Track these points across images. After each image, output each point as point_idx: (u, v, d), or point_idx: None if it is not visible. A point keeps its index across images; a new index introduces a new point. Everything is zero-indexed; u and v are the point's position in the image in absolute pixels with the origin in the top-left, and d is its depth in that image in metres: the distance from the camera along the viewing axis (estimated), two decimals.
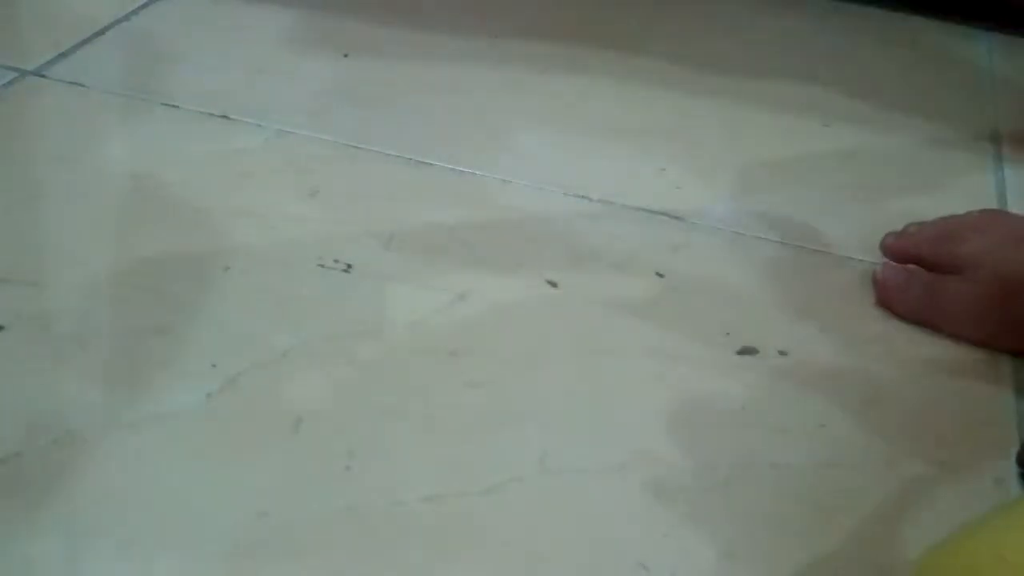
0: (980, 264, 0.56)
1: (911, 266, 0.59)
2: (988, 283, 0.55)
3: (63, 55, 0.74)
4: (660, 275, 0.59)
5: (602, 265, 0.60)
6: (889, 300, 0.58)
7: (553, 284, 0.58)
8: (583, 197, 0.65)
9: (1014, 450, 0.49)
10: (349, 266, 0.58)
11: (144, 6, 0.82)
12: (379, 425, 0.48)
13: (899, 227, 0.61)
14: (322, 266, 0.57)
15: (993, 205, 0.67)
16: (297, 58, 0.77)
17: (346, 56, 0.78)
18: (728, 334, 0.55)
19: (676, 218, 0.64)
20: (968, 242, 0.57)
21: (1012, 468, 0.49)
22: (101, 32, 0.77)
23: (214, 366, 0.50)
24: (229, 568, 0.42)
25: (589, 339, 0.54)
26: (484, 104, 0.74)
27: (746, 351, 0.55)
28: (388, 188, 0.64)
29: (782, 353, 0.55)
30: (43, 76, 0.72)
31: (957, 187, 0.67)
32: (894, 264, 0.59)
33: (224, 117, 0.69)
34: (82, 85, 0.71)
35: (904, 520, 0.46)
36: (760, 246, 0.62)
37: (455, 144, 0.69)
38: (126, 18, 0.80)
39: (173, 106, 0.70)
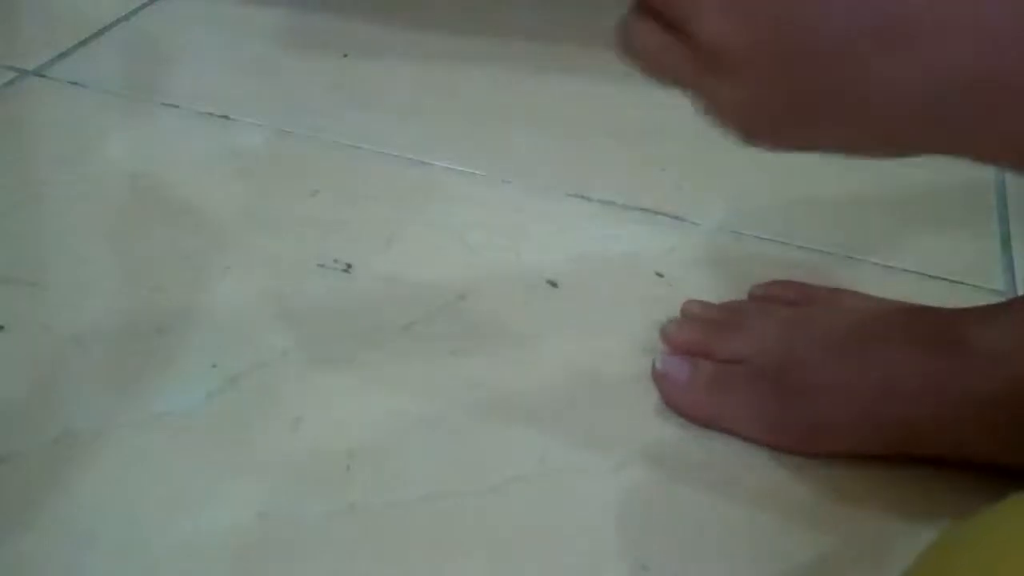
0: (756, 354, 0.50)
1: (695, 358, 0.51)
2: (763, 375, 0.49)
3: (63, 55, 0.74)
4: (660, 275, 0.59)
5: (602, 265, 0.60)
6: (672, 396, 0.50)
7: (553, 284, 0.58)
8: (583, 197, 0.65)
9: None
10: (349, 266, 0.58)
11: (144, 6, 0.82)
12: (379, 425, 0.48)
13: (902, 233, 0.61)
14: (322, 266, 0.57)
15: (993, 206, 0.67)
16: (297, 58, 0.77)
17: (346, 56, 0.78)
18: None
19: (676, 218, 0.64)
20: (745, 330, 0.52)
21: None
22: (101, 32, 0.77)
23: (214, 366, 0.50)
24: (230, 569, 0.42)
25: (589, 339, 0.54)
26: (483, 104, 0.74)
27: None
28: (388, 188, 0.64)
29: None
30: (43, 76, 0.72)
31: (957, 189, 0.67)
32: (674, 356, 0.51)
33: (224, 117, 0.69)
34: (82, 85, 0.71)
35: (905, 521, 0.46)
36: (761, 246, 0.62)
37: (455, 144, 0.69)
38: (126, 18, 0.80)
39: (173, 106, 0.70)
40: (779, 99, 0.35)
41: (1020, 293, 0.59)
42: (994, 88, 0.32)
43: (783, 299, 0.54)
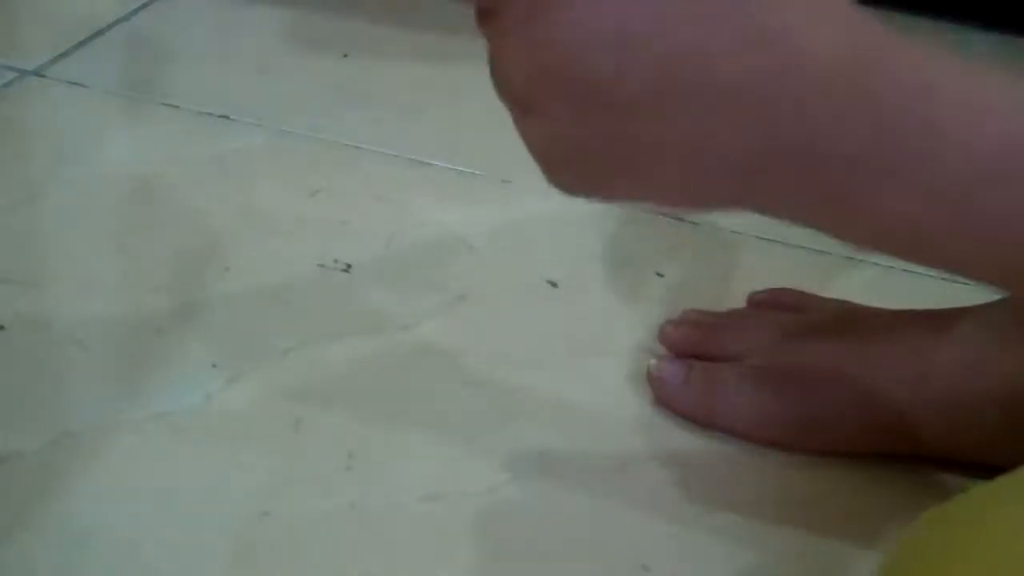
0: (752, 353, 0.50)
1: (691, 360, 0.51)
2: (759, 373, 0.49)
3: (63, 55, 0.74)
4: (660, 275, 0.59)
5: (602, 265, 0.60)
6: (668, 398, 0.50)
7: (553, 284, 0.58)
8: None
9: None
10: (349, 266, 0.58)
11: (144, 6, 0.81)
12: (379, 425, 0.48)
13: None
14: (322, 266, 0.57)
15: None
16: (297, 58, 0.77)
17: (346, 56, 0.78)
18: None
19: (676, 218, 0.64)
20: (742, 331, 0.52)
21: None
22: (101, 32, 0.77)
23: (214, 366, 0.50)
24: (230, 568, 0.42)
25: (589, 339, 0.54)
26: (484, 104, 0.74)
27: None
28: (388, 188, 0.64)
29: None
30: (43, 76, 0.72)
31: None
32: (671, 357, 0.52)
33: (224, 117, 0.69)
34: (82, 85, 0.71)
35: (905, 519, 0.46)
36: (761, 247, 0.62)
37: (455, 144, 0.69)
38: (126, 18, 0.80)
39: (173, 106, 0.70)
40: (577, 145, 0.38)
41: None
42: (802, 156, 0.34)
43: (781, 305, 0.54)
